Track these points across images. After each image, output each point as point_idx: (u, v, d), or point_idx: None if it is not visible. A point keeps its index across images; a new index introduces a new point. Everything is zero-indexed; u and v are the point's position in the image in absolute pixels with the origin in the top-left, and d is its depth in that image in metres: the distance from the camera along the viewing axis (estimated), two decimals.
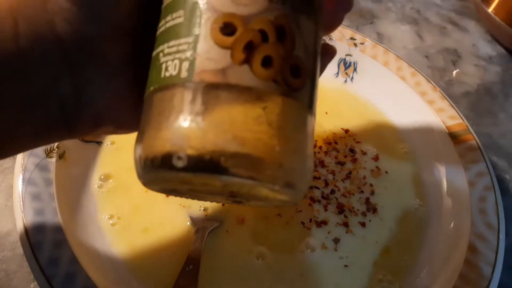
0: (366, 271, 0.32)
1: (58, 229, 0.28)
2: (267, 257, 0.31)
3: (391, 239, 0.34)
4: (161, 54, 0.18)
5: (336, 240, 0.33)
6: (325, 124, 0.40)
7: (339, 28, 0.44)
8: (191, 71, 0.17)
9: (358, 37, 0.45)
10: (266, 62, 0.17)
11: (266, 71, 0.17)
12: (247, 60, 0.17)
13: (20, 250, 0.30)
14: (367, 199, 0.36)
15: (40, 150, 0.31)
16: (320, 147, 0.38)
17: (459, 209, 0.34)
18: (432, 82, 0.42)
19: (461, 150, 0.37)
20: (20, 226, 0.28)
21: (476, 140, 0.37)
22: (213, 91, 0.17)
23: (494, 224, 0.32)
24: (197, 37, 0.17)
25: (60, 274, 0.26)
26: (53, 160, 0.31)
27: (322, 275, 0.31)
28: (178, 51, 0.17)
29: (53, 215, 0.29)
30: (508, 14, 0.51)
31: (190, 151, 0.16)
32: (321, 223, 0.33)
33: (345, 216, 0.34)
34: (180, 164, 0.16)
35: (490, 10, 0.52)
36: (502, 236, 0.32)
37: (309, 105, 0.19)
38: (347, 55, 0.44)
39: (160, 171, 0.17)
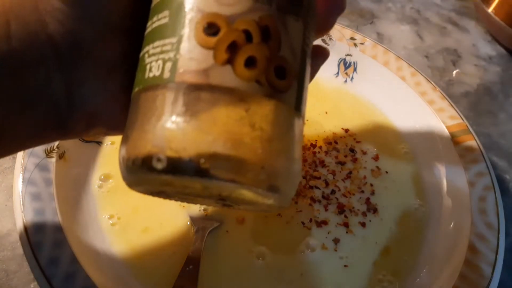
0: (366, 271, 0.32)
1: (58, 229, 0.28)
2: (267, 257, 0.31)
3: (391, 239, 0.34)
4: (146, 55, 0.18)
5: (336, 241, 0.33)
6: (325, 124, 0.40)
7: (339, 28, 0.45)
8: (174, 71, 0.17)
9: (358, 37, 0.45)
10: (250, 62, 0.17)
11: (249, 72, 0.17)
12: (230, 61, 0.16)
13: (20, 250, 0.30)
14: (368, 199, 0.36)
15: (40, 150, 0.31)
16: (320, 147, 0.38)
17: (459, 209, 0.34)
18: (432, 82, 0.42)
19: (461, 150, 0.37)
20: (20, 226, 0.28)
21: (476, 140, 0.37)
22: (194, 92, 0.16)
23: (494, 224, 0.32)
24: (180, 38, 0.17)
25: (60, 274, 0.26)
26: (53, 160, 0.31)
27: (322, 275, 0.31)
28: (162, 52, 0.17)
29: (53, 215, 0.29)
30: (508, 14, 0.51)
31: (170, 153, 0.16)
32: (321, 223, 0.33)
33: (345, 216, 0.34)
34: (159, 165, 0.16)
35: (490, 10, 0.52)
36: (502, 236, 0.32)
37: (296, 107, 0.18)
38: (347, 55, 0.44)
39: (140, 173, 0.17)
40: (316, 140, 0.39)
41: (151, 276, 0.29)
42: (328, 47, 0.43)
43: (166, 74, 0.17)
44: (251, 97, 0.17)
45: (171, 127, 0.16)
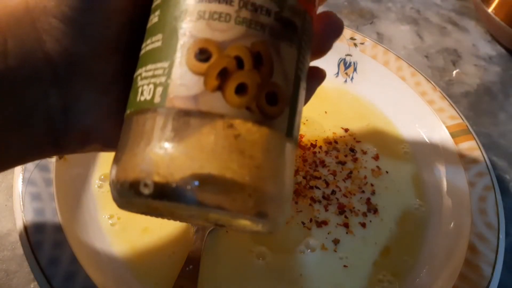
0: (365, 271, 0.32)
1: (58, 229, 0.28)
2: (267, 257, 0.31)
3: (391, 239, 0.34)
4: (139, 77, 0.18)
5: (336, 241, 0.33)
6: (325, 124, 0.40)
7: None
8: (164, 96, 0.17)
9: (358, 37, 0.45)
10: (240, 89, 0.17)
11: (239, 99, 0.16)
12: (220, 87, 0.16)
13: (20, 250, 0.30)
14: (368, 199, 0.36)
15: None
16: (320, 147, 0.38)
17: (459, 209, 0.34)
18: (432, 82, 0.42)
19: (461, 150, 0.37)
20: (20, 226, 0.28)
21: (476, 140, 0.37)
22: (184, 117, 0.16)
23: (494, 224, 0.32)
24: (172, 62, 0.17)
25: (60, 274, 0.26)
26: (53, 160, 0.31)
27: (322, 276, 0.31)
28: (154, 76, 0.17)
29: (53, 215, 0.29)
30: (508, 14, 0.51)
31: (157, 178, 0.16)
32: (322, 223, 0.33)
33: (346, 217, 0.34)
34: (146, 191, 0.16)
35: (490, 10, 0.52)
36: (502, 236, 0.32)
37: (288, 132, 0.18)
38: (347, 55, 0.44)
39: (128, 196, 0.17)
40: (316, 140, 0.39)
41: (151, 276, 0.29)
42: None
43: (157, 99, 0.17)
44: (241, 123, 0.16)
45: (159, 152, 0.16)
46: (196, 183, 0.16)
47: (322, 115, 0.41)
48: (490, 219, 0.32)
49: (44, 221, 0.28)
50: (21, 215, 0.28)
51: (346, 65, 0.44)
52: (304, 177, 0.36)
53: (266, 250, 0.32)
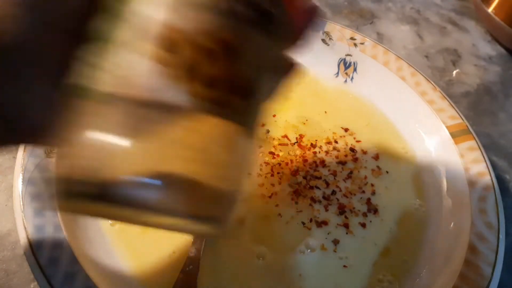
0: (365, 272, 0.32)
1: (58, 229, 0.28)
2: (267, 257, 0.31)
3: (391, 239, 0.34)
4: (94, 64, 0.17)
5: (336, 241, 0.33)
6: (325, 123, 0.40)
7: (339, 28, 0.45)
8: (120, 85, 0.15)
9: (358, 37, 0.45)
10: (204, 80, 0.16)
11: (201, 90, 0.16)
12: (183, 78, 0.15)
13: (20, 250, 0.30)
14: (369, 199, 0.36)
15: (40, 150, 0.31)
16: (321, 147, 0.38)
17: (459, 209, 0.34)
18: (432, 82, 0.42)
19: (461, 150, 0.37)
20: (20, 226, 0.28)
21: (476, 140, 0.37)
22: (139, 109, 0.15)
23: (494, 224, 0.32)
24: (134, 50, 0.16)
25: (60, 274, 0.26)
26: (53, 160, 0.31)
27: (322, 276, 0.31)
28: (110, 63, 0.16)
29: (53, 215, 0.29)
30: (508, 14, 0.51)
31: (101, 176, 0.15)
32: (322, 223, 0.33)
33: (346, 217, 0.34)
34: (88, 190, 0.15)
35: (490, 10, 0.52)
36: (502, 236, 0.32)
37: (248, 126, 0.17)
38: (347, 55, 0.44)
39: (69, 197, 0.16)
40: (316, 140, 0.39)
41: (151, 276, 0.29)
42: (328, 47, 0.44)
43: (112, 88, 0.15)
44: (200, 117, 0.16)
45: (109, 147, 0.15)
46: (144, 180, 0.15)
47: (322, 115, 0.41)
48: (490, 219, 0.32)
49: (44, 221, 0.28)
50: (21, 215, 0.28)
51: (346, 65, 0.44)
52: (304, 177, 0.36)
53: (266, 250, 0.32)
